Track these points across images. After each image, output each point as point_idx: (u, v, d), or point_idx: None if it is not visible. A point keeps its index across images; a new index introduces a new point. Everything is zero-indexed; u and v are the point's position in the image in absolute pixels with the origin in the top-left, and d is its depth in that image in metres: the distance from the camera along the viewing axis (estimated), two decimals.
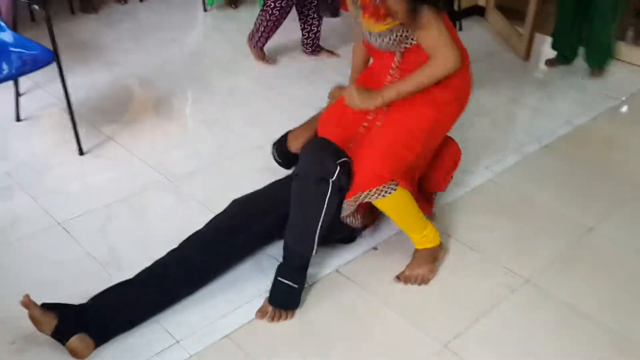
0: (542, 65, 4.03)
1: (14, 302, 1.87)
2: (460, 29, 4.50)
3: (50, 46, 2.73)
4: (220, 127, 3.22)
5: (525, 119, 3.50)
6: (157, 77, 3.75)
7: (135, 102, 3.61)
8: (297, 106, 3.40)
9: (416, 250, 2.26)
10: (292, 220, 2.10)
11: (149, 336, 1.98)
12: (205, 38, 4.62)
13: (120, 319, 1.98)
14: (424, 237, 2.24)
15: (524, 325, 2.07)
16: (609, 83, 3.80)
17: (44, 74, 2.88)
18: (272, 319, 2.04)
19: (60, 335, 1.87)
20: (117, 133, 3.10)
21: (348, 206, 2.14)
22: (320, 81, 3.69)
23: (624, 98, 3.65)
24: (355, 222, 2.26)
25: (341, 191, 2.08)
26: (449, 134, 2.37)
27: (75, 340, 1.87)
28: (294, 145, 2.41)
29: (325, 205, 2.05)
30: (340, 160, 2.09)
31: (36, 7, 2.89)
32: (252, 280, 2.21)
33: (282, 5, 3.69)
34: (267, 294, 2.09)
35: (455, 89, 2.17)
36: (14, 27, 2.98)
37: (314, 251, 2.10)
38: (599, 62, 3.83)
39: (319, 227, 2.06)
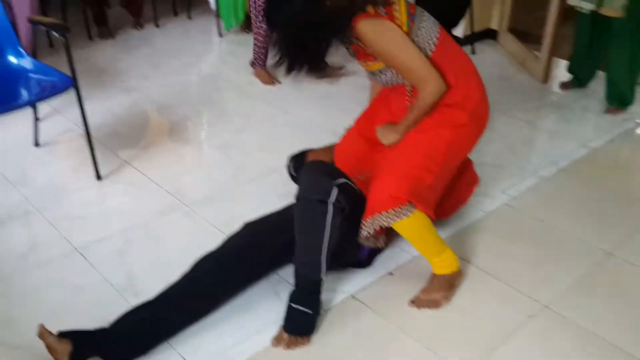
0: (557, 88, 4.03)
1: (31, 328, 1.89)
2: (473, 52, 4.52)
3: (68, 72, 2.77)
4: (236, 151, 3.24)
5: (541, 142, 3.49)
6: (174, 102, 3.79)
7: (151, 127, 3.64)
8: (312, 130, 3.42)
9: (434, 275, 2.25)
10: (298, 244, 2.10)
11: None
12: (221, 62, 4.66)
13: (135, 343, 1.98)
14: (442, 261, 2.22)
15: (543, 352, 2.05)
16: None
17: (62, 99, 2.92)
18: (288, 346, 2.03)
19: None
20: (133, 158, 3.13)
21: (366, 228, 2.12)
22: (335, 105, 3.72)
23: (638, 120, 3.63)
24: (376, 243, 2.26)
25: (342, 212, 2.06)
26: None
27: None
28: None
29: (327, 227, 2.03)
30: (336, 182, 2.08)
31: (55, 34, 2.93)
32: (266, 304, 2.21)
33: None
34: (282, 319, 2.09)
35: (470, 110, 2.18)
36: (33, 54, 3.03)
37: (323, 275, 2.08)
38: (617, 100, 3.68)
39: (324, 250, 2.05)
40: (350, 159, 2.40)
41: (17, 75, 2.90)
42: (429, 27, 2.13)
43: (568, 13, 3.83)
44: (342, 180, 2.12)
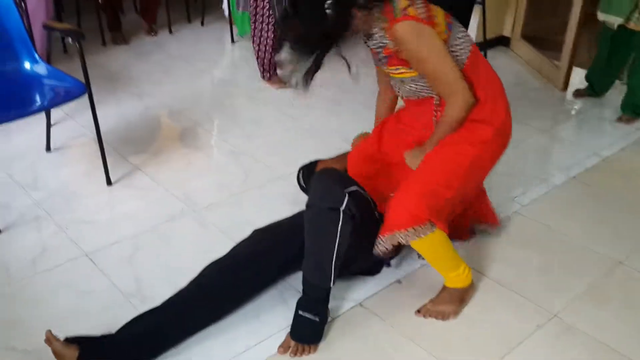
0: (570, 96, 4.00)
1: (39, 332, 1.89)
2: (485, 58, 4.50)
3: (82, 78, 2.78)
4: (246, 157, 3.25)
5: (552, 150, 3.47)
6: (185, 108, 3.80)
7: (162, 132, 3.66)
8: (323, 136, 3.42)
9: (445, 287, 2.22)
10: (307, 251, 2.08)
11: None
12: (233, 68, 4.68)
13: (141, 350, 1.97)
14: (457, 276, 2.19)
15: None
16: None
17: (75, 104, 2.93)
18: (295, 354, 2.02)
19: None
20: (144, 163, 3.15)
21: (384, 243, 2.11)
22: (345, 111, 3.72)
23: None
24: (389, 254, 2.25)
25: (353, 219, 2.04)
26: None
27: None
28: None
29: (338, 235, 2.01)
30: (348, 189, 2.06)
31: (69, 39, 2.95)
32: (274, 312, 2.20)
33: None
34: (289, 327, 2.08)
35: (496, 126, 2.15)
36: (47, 60, 3.05)
37: (332, 282, 2.06)
38: (631, 109, 3.67)
39: (334, 258, 2.03)
40: (363, 170, 2.38)
41: (32, 81, 2.92)
42: (464, 38, 2.11)
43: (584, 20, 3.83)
44: (353, 187, 2.10)
